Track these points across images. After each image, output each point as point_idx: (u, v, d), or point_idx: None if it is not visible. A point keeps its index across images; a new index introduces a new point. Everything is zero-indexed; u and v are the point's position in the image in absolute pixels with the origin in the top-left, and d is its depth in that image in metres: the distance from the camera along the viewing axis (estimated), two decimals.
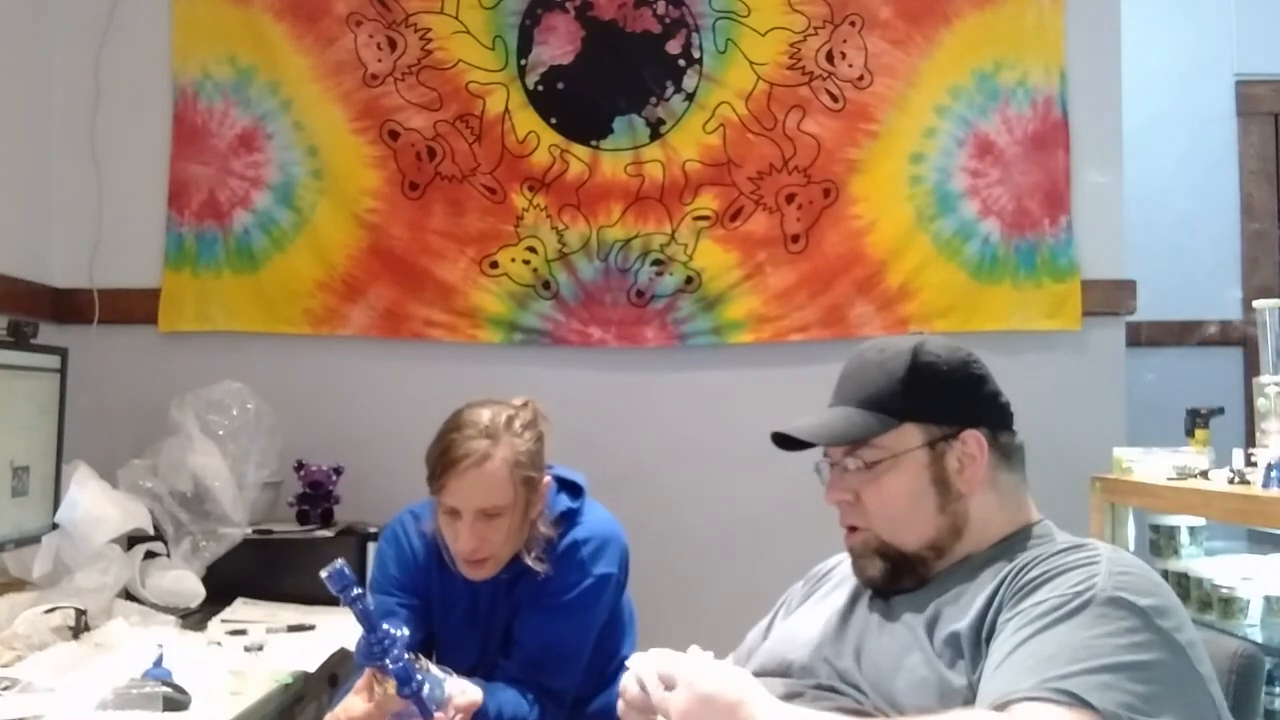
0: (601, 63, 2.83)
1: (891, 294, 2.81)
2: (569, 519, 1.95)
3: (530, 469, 1.85)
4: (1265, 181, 3.46)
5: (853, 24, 2.83)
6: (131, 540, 2.31)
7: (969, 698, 1.14)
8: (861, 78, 2.83)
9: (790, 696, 1.24)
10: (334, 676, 2.05)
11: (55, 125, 2.79)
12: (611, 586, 1.95)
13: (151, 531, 2.33)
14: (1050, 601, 1.13)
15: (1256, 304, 2.31)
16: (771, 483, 2.41)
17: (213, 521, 2.38)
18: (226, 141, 2.81)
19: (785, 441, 1.35)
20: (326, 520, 2.56)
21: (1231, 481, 2.09)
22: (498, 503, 1.81)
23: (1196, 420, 2.45)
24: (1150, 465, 2.36)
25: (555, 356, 2.82)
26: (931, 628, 1.22)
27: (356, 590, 1.34)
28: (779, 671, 1.32)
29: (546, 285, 2.82)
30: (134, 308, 2.78)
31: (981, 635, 1.17)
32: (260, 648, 2.03)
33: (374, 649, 1.39)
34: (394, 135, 2.81)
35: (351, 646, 1.54)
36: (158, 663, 1.71)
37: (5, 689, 1.67)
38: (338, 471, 2.58)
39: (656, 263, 2.81)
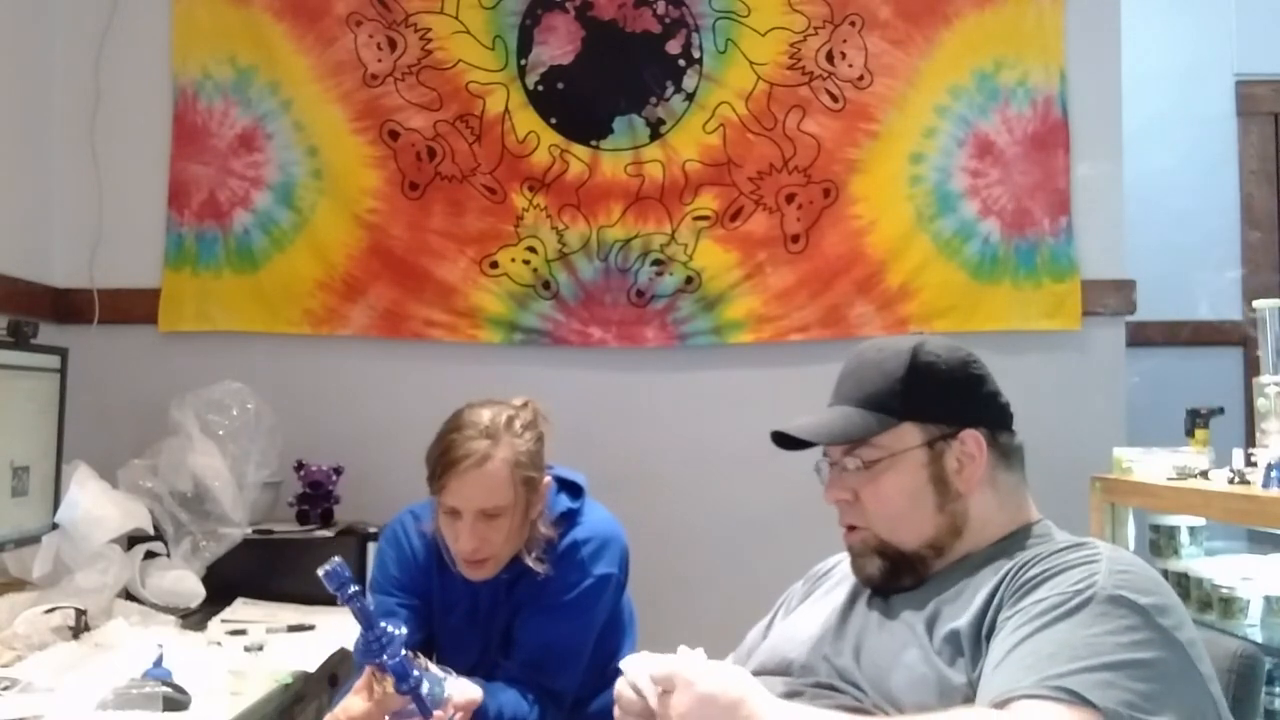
0: (601, 63, 2.83)
1: (891, 294, 2.81)
2: (569, 519, 1.95)
3: (530, 469, 1.85)
4: (1265, 181, 3.46)
5: (853, 24, 2.83)
6: (131, 540, 2.31)
7: (968, 695, 1.14)
8: (861, 78, 2.83)
9: (790, 695, 1.24)
10: (334, 676, 2.05)
11: (55, 125, 2.79)
12: (612, 587, 1.95)
13: (151, 531, 2.33)
14: (1051, 600, 1.14)
15: (1256, 304, 2.31)
16: (771, 483, 2.41)
17: (213, 521, 2.38)
18: (226, 141, 2.81)
19: (785, 441, 1.35)
20: (326, 520, 2.56)
21: (1231, 481, 2.09)
22: (498, 503, 1.81)
23: (1196, 420, 2.44)
24: (1150, 465, 2.36)
25: (555, 356, 2.82)
26: (931, 626, 1.23)
27: (354, 588, 1.34)
28: (779, 670, 1.33)
29: (546, 285, 2.82)
30: (134, 308, 2.79)
31: (981, 633, 1.17)
32: (260, 648, 2.03)
33: (372, 646, 1.39)
34: (394, 135, 2.81)
35: (351, 646, 1.54)
36: (158, 663, 1.71)
37: (5, 689, 1.67)
38: (338, 471, 2.58)
39: (656, 263, 2.81)
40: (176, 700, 1.62)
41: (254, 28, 2.80)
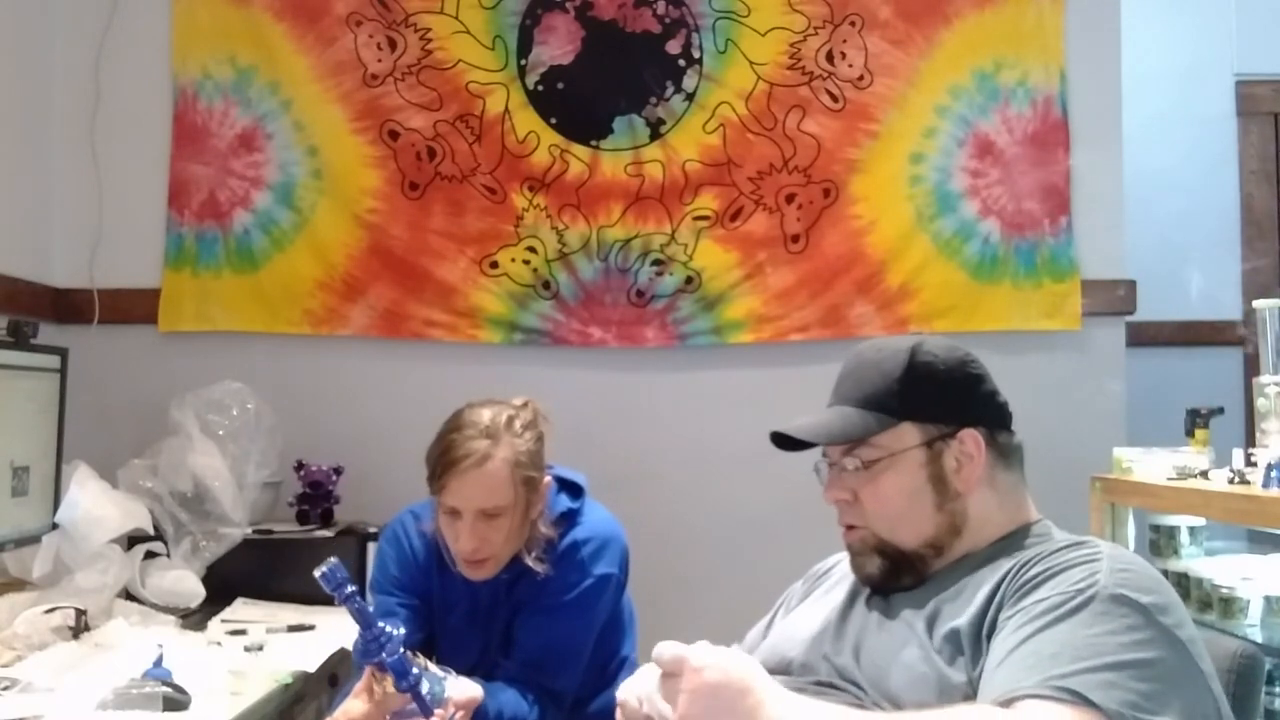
0: (601, 63, 2.83)
1: (891, 294, 2.81)
2: (569, 519, 1.95)
3: (530, 469, 1.85)
4: (1265, 181, 3.46)
5: (853, 24, 2.83)
6: (131, 540, 2.31)
7: (968, 694, 1.14)
8: (861, 78, 2.83)
9: None
10: (334, 676, 2.05)
11: (55, 125, 2.79)
12: (612, 587, 1.95)
13: (151, 531, 2.33)
14: (1052, 599, 1.13)
15: (1256, 304, 2.30)
16: (771, 483, 2.41)
17: (213, 521, 2.38)
18: (226, 141, 2.81)
19: (784, 441, 1.35)
20: (326, 520, 2.56)
21: (1231, 481, 2.09)
22: (498, 503, 1.81)
23: (1196, 420, 2.44)
24: (1150, 465, 2.35)
25: (555, 356, 2.82)
26: (931, 625, 1.23)
27: (350, 588, 1.34)
28: (778, 669, 1.32)
29: (546, 285, 2.82)
30: (134, 308, 2.79)
31: (982, 632, 1.17)
32: (260, 648, 2.03)
33: (370, 646, 1.39)
34: (394, 135, 2.81)
35: (351, 646, 1.54)
36: (158, 663, 1.71)
37: (5, 689, 1.67)
38: (338, 471, 2.58)
39: (656, 263, 2.81)
40: (176, 700, 1.62)
41: (254, 28, 2.81)
